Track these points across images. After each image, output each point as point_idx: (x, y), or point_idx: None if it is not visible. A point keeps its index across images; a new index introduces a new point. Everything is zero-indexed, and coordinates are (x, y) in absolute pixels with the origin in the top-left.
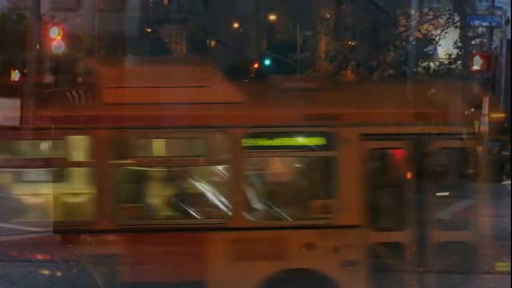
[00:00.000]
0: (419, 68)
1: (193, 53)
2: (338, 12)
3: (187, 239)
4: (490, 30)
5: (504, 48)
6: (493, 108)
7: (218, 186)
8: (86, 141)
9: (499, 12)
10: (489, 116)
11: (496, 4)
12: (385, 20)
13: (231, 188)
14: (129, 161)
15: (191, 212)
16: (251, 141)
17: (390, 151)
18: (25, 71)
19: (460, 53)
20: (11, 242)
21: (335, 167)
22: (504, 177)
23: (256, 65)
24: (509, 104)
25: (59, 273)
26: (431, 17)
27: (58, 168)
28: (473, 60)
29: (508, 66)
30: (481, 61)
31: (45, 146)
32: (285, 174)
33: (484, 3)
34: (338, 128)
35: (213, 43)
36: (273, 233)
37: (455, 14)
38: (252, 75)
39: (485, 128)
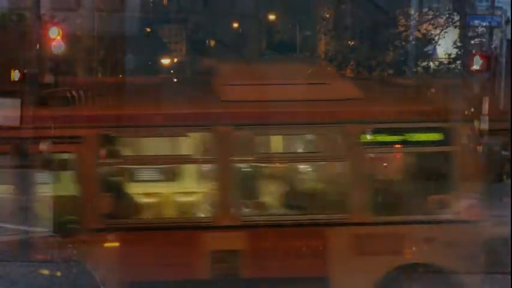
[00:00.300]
0: (418, 68)
1: (193, 53)
2: (337, 11)
3: (307, 234)
4: (490, 30)
5: (504, 48)
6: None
7: (337, 182)
8: (207, 138)
9: (499, 12)
10: None
11: (496, 4)
12: (384, 19)
13: (349, 183)
14: (249, 158)
15: (311, 207)
16: (369, 137)
17: (506, 145)
18: (25, 71)
19: (459, 52)
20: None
21: (452, 162)
22: None
23: None
24: (509, 104)
25: (58, 273)
26: (430, 16)
27: (179, 165)
28: (473, 60)
29: (508, 66)
30: (481, 61)
31: (167, 143)
32: (403, 170)
33: (484, 3)
34: (455, 124)
35: (212, 43)
36: (393, 228)
37: (455, 13)
38: None
39: None
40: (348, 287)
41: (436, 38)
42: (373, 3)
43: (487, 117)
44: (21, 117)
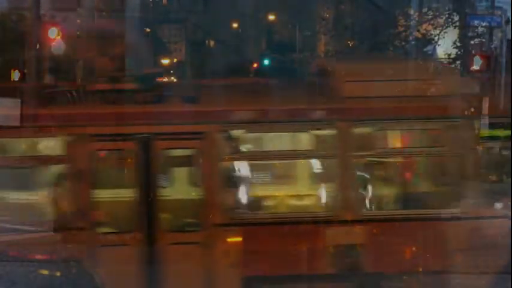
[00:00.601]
0: None
1: (192, 53)
2: (337, 11)
3: (425, 229)
4: (490, 30)
5: (504, 48)
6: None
7: (453, 176)
8: (329, 134)
9: (499, 12)
10: None
11: (496, 4)
12: (384, 19)
13: (464, 177)
14: (369, 153)
15: (429, 202)
16: (485, 132)
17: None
18: (25, 71)
19: (459, 52)
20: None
21: None
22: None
23: (255, 65)
24: (509, 104)
25: (58, 273)
26: (430, 16)
27: (301, 160)
28: (473, 60)
29: (508, 66)
30: (481, 61)
31: (287, 139)
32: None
33: (484, 3)
34: None
35: (212, 43)
36: (502, 222)
37: (455, 13)
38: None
39: None
40: (465, 282)
41: (436, 38)
42: (373, 3)
43: (487, 117)
44: (23, 115)
